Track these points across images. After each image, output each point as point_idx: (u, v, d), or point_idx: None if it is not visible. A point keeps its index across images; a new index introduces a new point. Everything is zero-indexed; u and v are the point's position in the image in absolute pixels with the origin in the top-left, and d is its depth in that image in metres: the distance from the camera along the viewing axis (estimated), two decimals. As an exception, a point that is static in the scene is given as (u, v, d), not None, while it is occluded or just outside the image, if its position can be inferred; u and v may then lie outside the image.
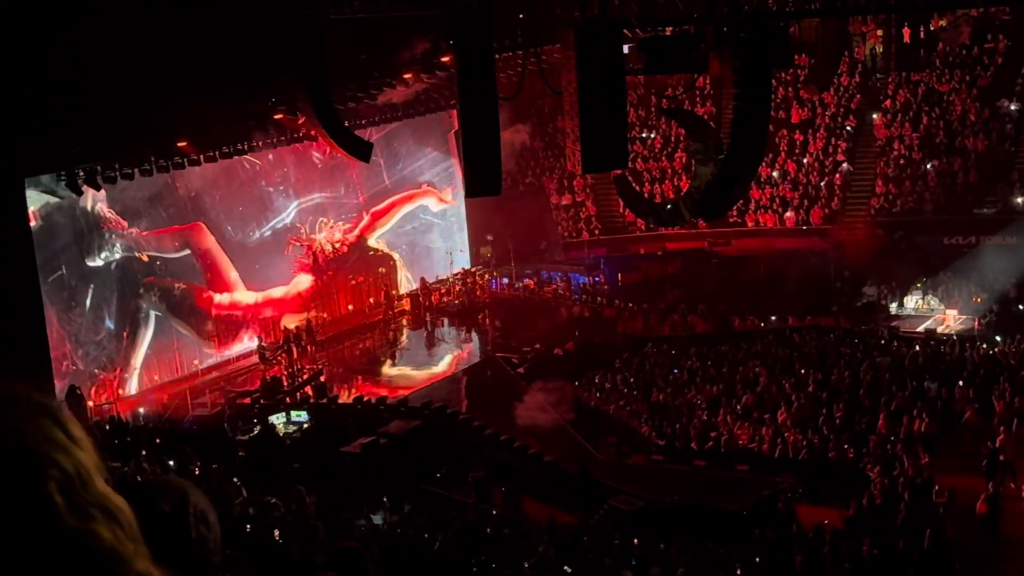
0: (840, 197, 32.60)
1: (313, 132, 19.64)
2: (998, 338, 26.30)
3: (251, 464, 19.98)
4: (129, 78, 18.79)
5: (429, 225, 35.56)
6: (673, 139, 34.92)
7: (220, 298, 28.48)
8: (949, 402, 22.51)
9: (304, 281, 30.86)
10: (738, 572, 15.45)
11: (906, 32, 34.12)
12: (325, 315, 31.06)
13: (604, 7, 13.02)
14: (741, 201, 30.36)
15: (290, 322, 29.09)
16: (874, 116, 33.67)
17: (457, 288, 33.71)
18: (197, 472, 17.66)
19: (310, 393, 25.94)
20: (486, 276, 34.80)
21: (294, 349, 27.57)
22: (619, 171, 16.05)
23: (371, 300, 33.01)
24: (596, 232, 35.07)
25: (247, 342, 28.67)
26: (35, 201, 23.56)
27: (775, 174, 33.33)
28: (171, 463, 18.36)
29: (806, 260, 31.29)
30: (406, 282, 34.38)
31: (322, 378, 27.35)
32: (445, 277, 34.29)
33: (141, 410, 24.52)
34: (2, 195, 21.85)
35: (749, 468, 21.20)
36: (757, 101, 12.48)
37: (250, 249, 29.40)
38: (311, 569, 10.05)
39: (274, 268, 30.14)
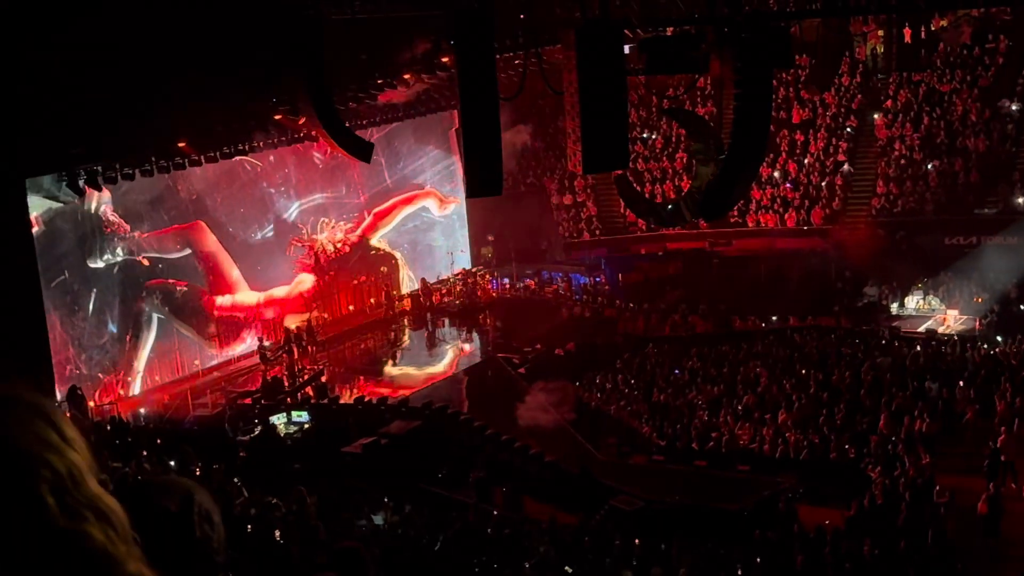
0: (841, 197, 32.59)
1: (314, 132, 19.65)
2: (999, 338, 26.28)
3: (252, 464, 19.98)
4: (130, 78, 18.81)
5: (431, 223, 35.57)
6: (674, 139, 34.92)
7: (222, 300, 28.48)
8: (950, 402, 22.50)
9: (306, 281, 30.86)
10: (739, 572, 15.44)
11: (907, 32, 34.11)
12: (326, 315, 31.06)
13: (605, 7, 13.02)
14: (742, 201, 30.34)
15: (292, 322, 29.09)
16: (875, 116, 33.66)
17: (458, 288, 33.71)
18: (198, 472, 17.67)
19: (311, 393, 25.94)
20: (487, 276, 34.81)
21: (295, 349, 27.58)
22: (620, 171, 16.06)
23: (372, 300, 33.01)
24: (597, 232, 35.07)
25: (249, 342, 28.67)
26: (37, 207, 23.59)
27: (776, 174, 33.31)
28: (172, 463, 18.37)
29: (807, 260, 31.27)
30: (408, 281, 34.38)
31: (323, 378, 27.36)
32: (446, 277, 34.29)
33: (142, 410, 24.53)
34: (3, 196, 21.89)
35: (750, 468, 21.19)
36: (758, 101, 12.48)
37: (252, 249, 29.41)
38: (312, 569, 10.05)
39: (276, 268, 30.15)
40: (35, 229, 23.54)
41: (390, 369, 30.07)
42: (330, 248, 31.64)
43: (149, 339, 26.66)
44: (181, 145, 24.34)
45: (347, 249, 32.26)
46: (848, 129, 33.66)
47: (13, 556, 1.32)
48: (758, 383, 24.87)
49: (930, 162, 31.79)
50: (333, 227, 31.87)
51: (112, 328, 25.76)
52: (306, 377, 27.18)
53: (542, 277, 34.71)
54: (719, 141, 15.91)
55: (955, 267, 29.66)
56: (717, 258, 32.79)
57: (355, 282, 32.50)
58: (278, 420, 23.32)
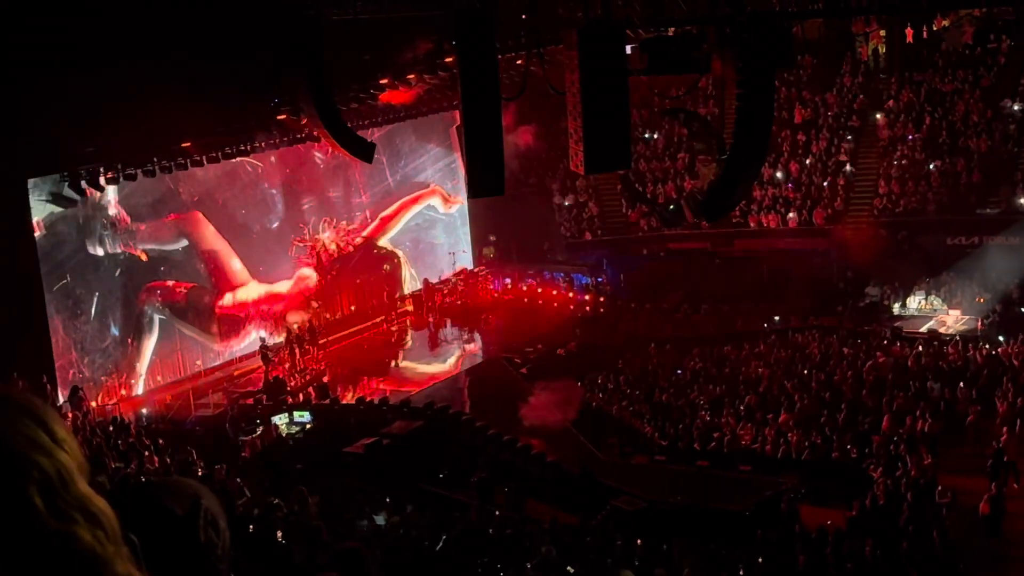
0: (843, 197, 32.57)
1: (316, 132, 19.66)
2: (1001, 338, 26.26)
3: (254, 464, 20.00)
4: (131, 79, 18.81)
5: (433, 221, 35.58)
6: (676, 139, 34.90)
7: (224, 300, 28.47)
8: (952, 402, 22.48)
9: (308, 275, 30.85)
10: (741, 573, 15.44)
11: (909, 32, 34.07)
12: (328, 315, 31.05)
13: (607, 7, 13.02)
14: (744, 202, 30.32)
15: (293, 320, 29.09)
16: (877, 116, 33.63)
17: (460, 289, 33.72)
18: (200, 473, 17.68)
19: (312, 394, 25.95)
20: (489, 276, 34.81)
21: (296, 350, 27.58)
22: (622, 171, 16.06)
23: (374, 300, 33.00)
24: (599, 232, 35.06)
25: (253, 336, 28.65)
26: (39, 211, 23.60)
27: (778, 175, 33.29)
28: (174, 463, 18.38)
29: (809, 260, 31.25)
30: (410, 280, 34.38)
31: (325, 379, 27.37)
32: (448, 277, 34.29)
33: (144, 411, 24.54)
34: (6, 199, 21.93)
35: (752, 468, 21.18)
36: (760, 101, 12.47)
37: (253, 238, 29.31)
38: (314, 570, 10.05)
39: (276, 258, 30.07)
40: (37, 233, 23.55)
41: (392, 369, 30.08)
42: (332, 247, 31.65)
43: (151, 341, 26.68)
44: (184, 145, 24.36)
45: (350, 249, 32.26)
46: (850, 129, 33.64)
47: (1, 557, 1.31)
48: (760, 383, 24.87)
49: (932, 162, 31.77)
50: (335, 227, 31.87)
51: (114, 331, 25.77)
52: (308, 378, 27.20)
53: (544, 277, 34.70)
54: (721, 141, 15.90)
55: (957, 267, 29.62)
56: (719, 258, 32.76)
57: (357, 281, 32.49)
58: (280, 420, 23.33)
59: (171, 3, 19.38)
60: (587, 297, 33.39)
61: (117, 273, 25.82)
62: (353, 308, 32.40)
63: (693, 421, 23.72)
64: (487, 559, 14.82)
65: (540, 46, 16.21)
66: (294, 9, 15.81)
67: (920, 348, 25.97)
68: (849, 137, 33.53)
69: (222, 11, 19.24)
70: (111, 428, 20.50)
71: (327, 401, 25.13)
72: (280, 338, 28.37)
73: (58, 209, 23.92)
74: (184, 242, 27.47)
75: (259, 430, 22.87)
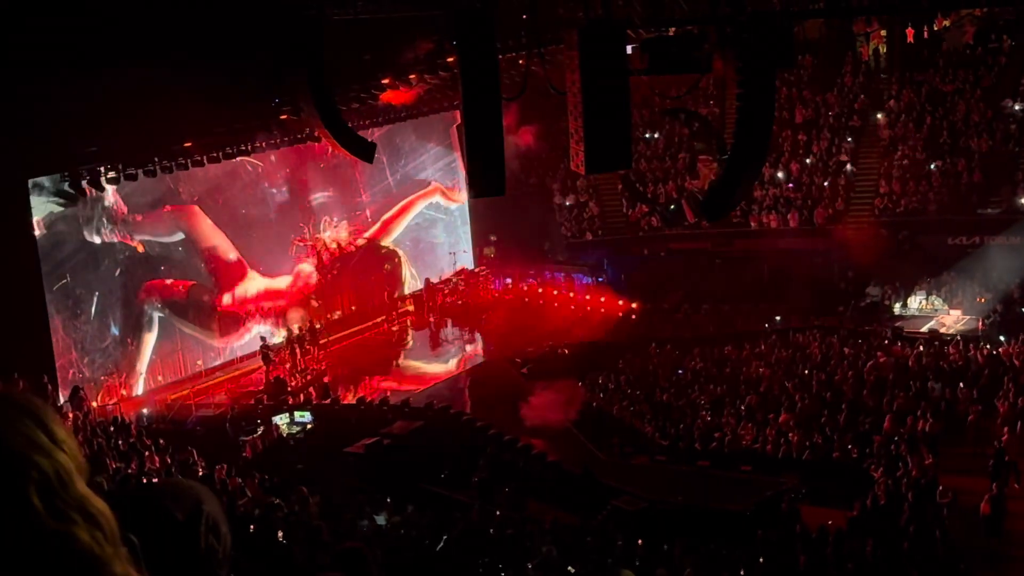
0: (844, 197, 32.56)
1: (316, 132, 19.66)
2: (1002, 338, 26.25)
3: (254, 464, 20.00)
4: (132, 78, 18.81)
5: (433, 220, 35.58)
6: (677, 139, 34.89)
7: (225, 297, 28.46)
8: (953, 403, 22.48)
9: (308, 271, 30.83)
10: (742, 573, 15.44)
11: (910, 32, 34.06)
12: (329, 315, 31.05)
13: (607, 7, 13.03)
14: (745, 201, 30.32)
15: (294, 317, 29.09)
16: (878, 116, 33.62)
17: (461, 289, 33.72)
18: (201, 473, 17.69)
19: (313, 394, 25.95)
20: (490, 276, 34.81)
21: (297, 349, 27.58)
22: (623, 171, 16.05)
23: (375, 301, 33.00)
24: (599, 232, 35.06)
25: (254, 331, 28.67)
26: (39, 211, 23.59)
27: (779, 175, 33.29)
28: (174, 464, 18.39)
29: (810, 261, 31.24)
30: (410, 279, 34.37)
31: (326, 379, 27.36)
32: (449, 277, 34.29)
33: (145, 411, 24.54)
34: (6, 198, 21.94)
35: (752, 468, 21.17)
36: (761, 101, 12.47)
37: (253, 235, 29.28)
38: (314, 570, 10.06)
39: (277, 256, 30.03)
40: (37, 232, 23.54)
41: (393, 369, 30.07)
42: (333, 246, 31.65)
43: (151, 340, 26.67)
44: (185, 145, 24.36)
45: (351, 249, 32.27)
46: (850, 130, 33.64)
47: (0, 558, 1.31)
48: (760, 383, 24.87)
49: (933, 162, 31.76)
50: (336, 226, 31.87)
51: (114, 330, 25.77)
52: (309, 377, 27.20)
53: (544, 277, 34.70)
54: (722, 141, 15.91)
55: (958, 267, 29.62)
56: (720, 258, 32.76)
57: (357, 281, 32.45)
58: (281, 420, 23.33)
59: (172, 3, 19.38)
60: (588, 297, 33.36)
61: (117, 272, 25.81)
62: (354, 308, 32.39)
63: (694, 421, 23.73)
64: (488, 559, 14.82)
65: (541, 46, 16.21)
66: (294, 9, 15.81)
67: (921, 348, 25.97)
68: (850, 137, 33.52)
69: (223, 11, 19.24)
70: (112, 428, 20.50)
71: (328, 401, 25.13)
72: (281, 337, 28.36)
73: (58, 209, 23.91)
74: (180, 235, 27.33)
75: (259, 430, 22.87)
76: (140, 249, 26.29)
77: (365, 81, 25.37)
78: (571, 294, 33.70)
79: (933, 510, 17.70)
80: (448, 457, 21.41)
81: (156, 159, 24.10)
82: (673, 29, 16.31)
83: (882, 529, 16.93)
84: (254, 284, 29.23)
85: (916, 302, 29.87)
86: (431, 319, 32.67)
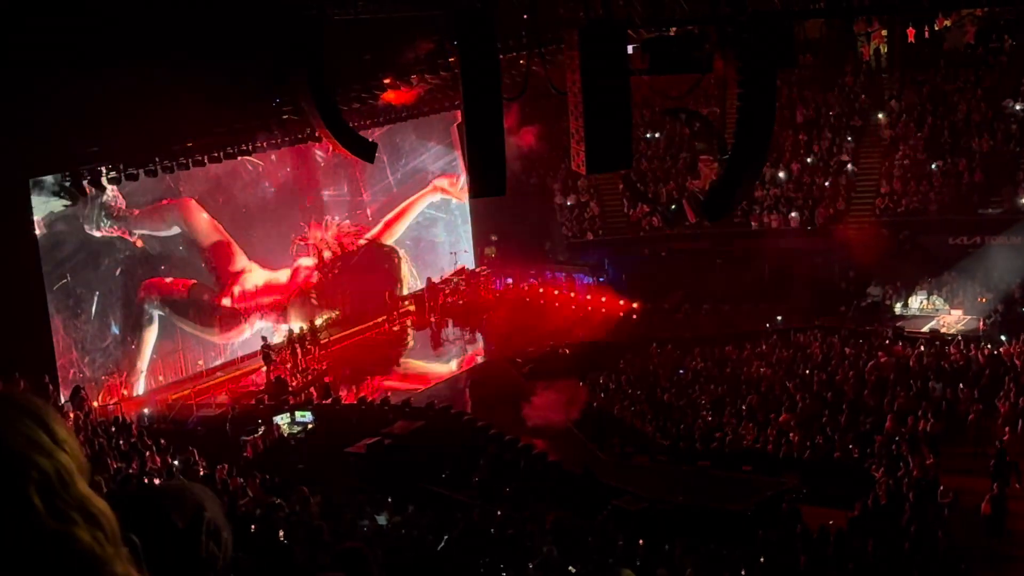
0: (845, 197, 32.55)
1: (317, 132, 19.66)
2: (1003, 338, 26.24)
3: (255, 464, 19.99)
4: (132, 78, 18.82)
5: (434, 219, 35.59)
6: (678, 139, 34.88)
7: (225, 294, 28.46)
8: (954, 402, 22.47)
9: (308, 264, 30.82)
10: (743, 573, 15.43)
11: (910, 32, 34.05)
12: (329, 312, 31.05)
13: (608, 7, 13.03)
14: (746, 201, 30.31)
15: (296, 311, 29.08)
16: (879, 116, 33.62)
17: (462, 289, 33.72)
18: (202, 473, 17.69)
19: (314, 393, 25.95)
20: (491, 276, 34.80)
21: (298, 349, 27.58)
22: (624, 171, 16.05)
23: (376, 300, 33.00)
24: (600, 232, 35.05)
25: (257, 326, 28.68)
26: (39, 210, 23.58)
27: (780, 174, 33.28)
28: (176, 463, 18.39)
29: (811, 260, 31.23)
30: (410, 279, 34.35)
31: (326, 379, 27.36)
32: (449, 277, 34.29)
33: (146, 411, 24.55)
34: (7, 196, 21.94)
35: (753, 468, 21.18)
36: (761, 101, 12.46)
37: (253, 231, 29.27)
38: (315, 570, 10.05)
39: (276, 249, 30.01)
40: (37, 232, 23.54)
41: (394, 369, 30.06)
42: (334, 245, 31.65)
43: (151, 339, 26.67)
44: (186, 145, 24.35)
45: (352, 248, 32.27)
46: (851, 130, 33.62)
47: (0, 558, 1.31)
48: (761, 383, 24.87)
49: (934, 162, 31.76)
50: (336, 225, 31.87)
51: (115, 330, 25.78)
52: (310, 377, 27.20)
53: (545, 277, 34.70)
54: (723, 141, 15.90)
55: (959, 267, 29.62)
56: (720, 258, 32.75)
57: (358, 280, 32.44)
58: (282, 420, 23.33)
59: (172, 3, 19.38)
60: (588, 297, 33.35)
61: (118, 272, 25.81)
62: (354, 308, 32.39)
63: (695, 421, 23.73)
64: (489, 559, 14.82)
65: (541, 46, 16.21)
66: (295, 9, 15.81)
67: (922, 348, 25.97)
68: (850, 137, 33.52)
69: (223, 11, 19.24)
70: (113, 428, 20.50)
71: (329, 401, 25.13)
72: (282, 336, 28.35)
73: (58, 208, 23.90)
74: (177, 228, 27.25)
75: (260, 430, 22.87)
76: (139, 244, 26.23)
77: (366, 81, 25.37)
78: (572, 294, 33.69)
79: (934, 510, 17.69)
80: (449, 457, 21.41)
81: (157, 159, 24.10)
82: (674, 29, 16.30)
83: (883, 529, 16.92)
84: (254, 277, 29.19)
85: (917, 302, 29.87)
86: (432, 319, 32.66)
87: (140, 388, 26.26)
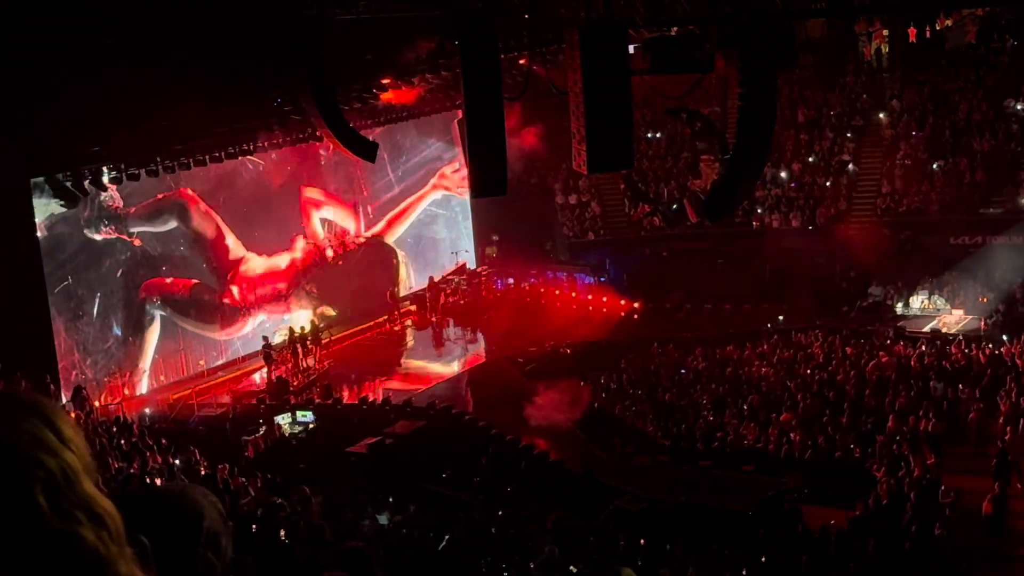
0: (846, 197, 32.55)
1: (318, 132, 19.66)
2: (1005, 338, 26.24)
3: (257, 464, 20.00)
4: (133, 79, 18.82)
5: (434, 216, 35.59)
6: (679, 139, 34.88)
7: (227, 290, 28.46)
8: (955, 402, 22.47)
9: (304, 245, 30.80)
10: (744, 573, 15.43)
11: (912, 32, 34.05)
12: (329, 312, 31.06)
13: (609, 7, 13.02)
14: (747, 201, 30.30)
15: (296, 298, 29.08)
16: (880, 116, 33.62)
17: (463, 289, 33.72)
18: (203, 472, 17.70)
19: (315, 393, 25.96)
20: (492, 276, 34.81)
21: (299, 349, 27.59)
22: (625, 171, 16.05)
23: (377, 300, 33.01)
24: (601, 232, 35.06)
25: (258, 319, 28.66)
26: (40, 212, 23.58)
27: (781, 174, 33.28)
28: (177, 463, 18.39)
29: (812, 260, 31.23)
30: (409, 278, 34.33)
31: (327, 379, 27.36)
32: (451, 277, 34.29)
33: (147, 411, 24.56)
34: (9, 197, 21.95)
35: (754, 468, 21.17)
36: (762, 101, 12.45)
37: (252, 224, 29.27)
38: (316, 569, 10.05)
39: (274, 237, 29.99)
40: (38, 234, 23.53)
41: (395, 369, 30.07)
42: (335, 242, 31.66)
43: (153, 339, 26.68)
44: (187, 145, 24.36)
45: (353, 246, 32.28)
46: (853, 129, 33.61)
47: (5, 557, 1.31)
48: (763, 383, 24.86)
49: (935, 162, 31.75)
50: (337, 223, 31.89)
51: (117, 331, 25.79)
52: (311, 377, 27.20)
53: (546, 277, 34.70)
54: (724, 141, 15.90)
55: (960, 267, 29.62)
56: (722, 258, 32.75)
57: (358, 279, 32.45)
58: (283, 420, 23.34)
59: (172, 3, 19.37)
60: (589, 297, 33.36)
61: (119, 273, 25.82)
62: (355, 308, 32.40)
63: (696, 421, 23.72)
64: (490, 559, 14.83)
65: (542, 46, 16.22)
66: (295, 9, 15.81)
67: (923, 348, 25.96)
68: (850, 134, 33.50)
69: (223, 11, 19.25)
70: (114, 428, 20.51)
71: (330, 401, 25.14)
72: (283, 335, 28.36)
73: (59, 210, 23.89)
74: (174, 222, 27.20)
75: (261, 430, 22.88)
76: (137, 243, 26.20)
77: (366, 81, 25.37)
78: (573, 294, 33.69)
79: (935, 510, 17.69)
80: (450, 457, 21.41)
81: (158, 158, 24.11)
82: (675, 29, 16.30)
83: (884, 529, 16.93)
84: (253, 266, 29.16)
85: (918, 302, 29.87)
86: (433, 319, 32.67)
87: (143, 388, 26.27)
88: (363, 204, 32.94)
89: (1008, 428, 20.36)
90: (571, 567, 14.20)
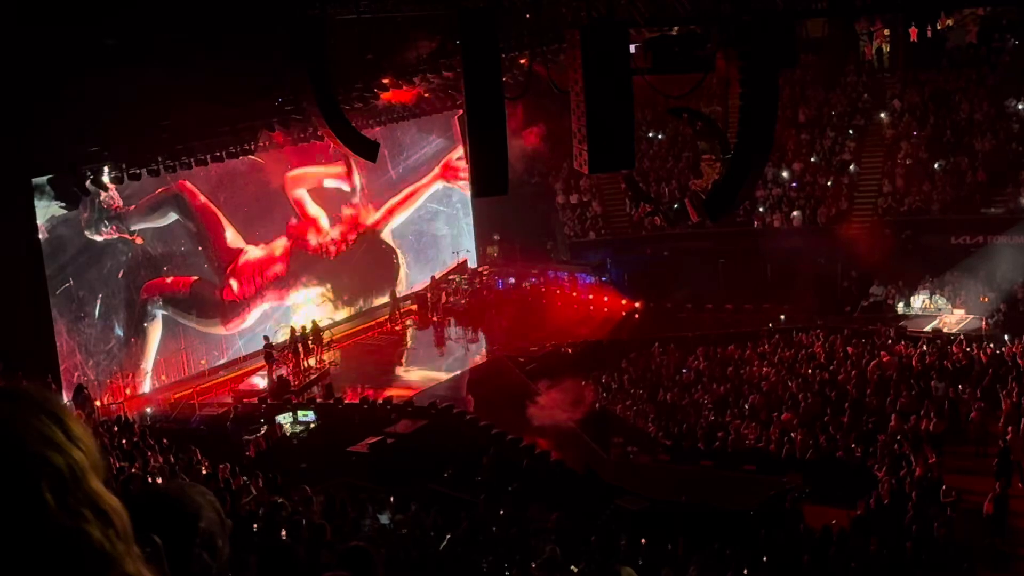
0: (847, 197, 32.54)
1: (320, 132, 19.66)
2: (1006, 337, 26.23)
3: (259, 464, 20.00)
4: (134, 79, 18.84)
5: (435, 213, 35.57)
6: (680, 138, 34.88)
7: (227, 285, 28.46)
8: (956, 402, 22.46)
9: (300, 231, 30.83)
10: (745, 572, 15.43)
11: (913, 31, 34.03)
12: (330, 314, 31.08)
13: (610, 7, 13.02)
14: (748, 201, 30.29)
15: (297, 299, 29.09)
16: (881, 115, 33.61)
17: (464, 288, 33.72)
18: (204, 472, 17.70)
19: (316, 393, 25.96)
20: (493, 276, 34.81)
21: (301, 349, 27.59)
22: (626, 171, 16.04)
23: (378, 300, 33.02)
24: (602, 232, 35.06)
25: (260, 310, 28.66)
26: (41, 214, 23.57)
27: (783, 174, 33.27)
28: (177, 463, 18.39)
29: (813, 260, 31.23)
30: (407, 279, 34.29)
31: (328, 378, 27.37)
32: (452, 276, 34.29)
33: (148, 410, 24.56)
34: (10, 197, 21.96)
35: (756, 468, 21.17)
36: (763, 100, 12.45)
37: (256, 227, 29.27)
38: (318, 569, 10.05)
39: (270, 226, 29.99)
40: (39, 236, 23.52)
41: (395, 369, 30.06)
42: (335, 236, 31.66)
43: (155, 339, 26.68)
44: (188, 144, 24.36)
45: (353, 241, 32.25)
46: (854, 129, 33.60)
47: (11, 554, 1.31)
48: (764, 383, 24.85)
49: (937, 161, 31.74)
50: (337, 223, 31.90)
51: (118, 332, 25.78)
52: (312, 377, 27.21)
53: (548, 277, 34.70)
54: (725, 140, 15.89)
55: (962, 266, 29.62)
56: (723, 258, 32.75)
57: (358, 279, 32.46)
58: (284, 420, 23.35)
59: (174, 3, 19.39)
60: (591, 296, 33.36)
61: (120, 274, 25.81)
62: (356, 308, 32.41)
63: (697, 420, 23.73)
64: (492, 558, 14.84)
65: (543, 45, 16.23)
66: (297, 8, 15.81)
67: (924, 347, 25.95)
68: (852, 132, 33.49)
69: (224, 11, 19.26)
70: (115, 427, 20.52)
71: (331, 400, 25.15)
72: (284, 335, 28.36)
73: (60, 212, 23.89)
74: (173, 215, 27.13)
75: (263, 429, 22.90)
76: (138, 241, 26.18)
77: (368, 80, 25.38)
78: (574, 293, 33.70)
79: (937, 509, 17.70)
80: (452, 456, 21.43)
81: (160, 158, 24.11)
82: (676, 28, 16.31)
83: (886, 528, 16.93)
84: (251, 254, 29.15)
85: (919, 301, 29.87)
86: (434, 318, 32.67)
87: (145, 387, 26.27)
88: (364, 201, 32.89)
89: (1009, 428, 20.35)
90: (572, 566, 14.20)
